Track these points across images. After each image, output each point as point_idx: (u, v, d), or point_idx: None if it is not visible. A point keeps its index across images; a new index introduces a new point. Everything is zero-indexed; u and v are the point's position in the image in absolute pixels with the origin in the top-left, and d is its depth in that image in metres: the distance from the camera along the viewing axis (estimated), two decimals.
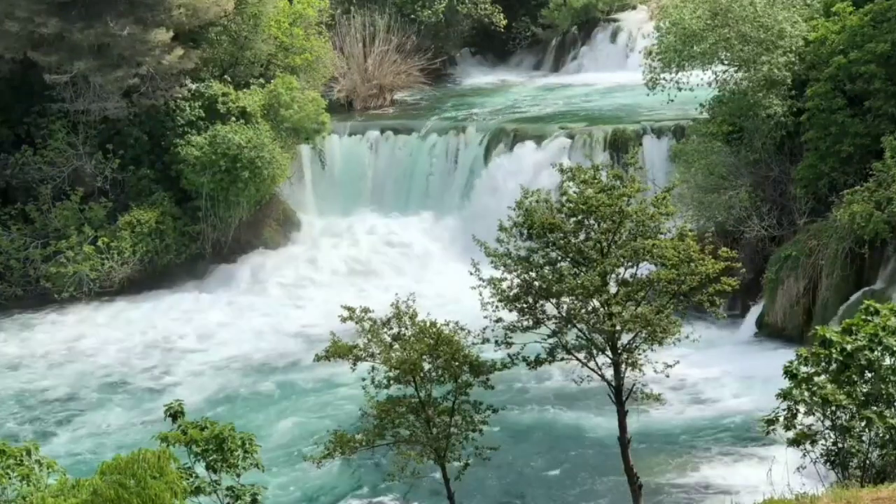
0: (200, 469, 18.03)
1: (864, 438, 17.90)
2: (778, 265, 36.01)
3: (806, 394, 17.99)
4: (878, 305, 18.79)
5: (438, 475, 22.42)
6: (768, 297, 36.49)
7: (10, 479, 16.79)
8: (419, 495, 26.31)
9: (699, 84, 39.13)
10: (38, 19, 43.66)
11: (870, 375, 17.97)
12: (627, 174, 23.29)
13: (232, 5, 46.46)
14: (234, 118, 46.06)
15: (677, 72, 39.00)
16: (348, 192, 49.32)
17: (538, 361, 22.14)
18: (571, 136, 45.94)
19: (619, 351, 21.77)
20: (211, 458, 17.96)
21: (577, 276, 21.70)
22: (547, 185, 29.01)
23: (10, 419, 35.06)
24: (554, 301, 21.89)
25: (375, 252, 46.58)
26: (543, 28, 64.77)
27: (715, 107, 39.76)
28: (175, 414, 18.55)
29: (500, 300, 21.99)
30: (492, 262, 22.26)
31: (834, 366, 18.12)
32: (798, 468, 18.84)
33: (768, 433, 18.76)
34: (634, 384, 22.29)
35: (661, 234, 22.21)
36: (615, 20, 63.43)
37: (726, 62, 38.73)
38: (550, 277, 21.84)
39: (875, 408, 17.72)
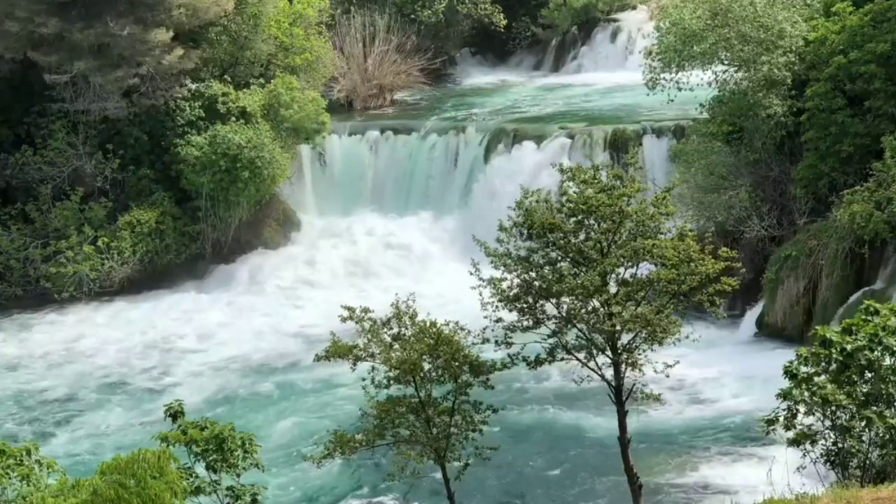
0: (200, 469, 18.03)
1: (864, 438, 17.90)
2: (778, 265, 36.01)
3: (806, 394, 17.99)
4: (878, 305, 18.79)
5: (438, 475, 22.41)
6: (768, 297, 36.48)
7: (10, 479, 16.78)
8: (419, 495, 26.30)
9: (699, 84, 39.13)
10: (38, 19, 43.66)
11: (870, 375, 17.98)
12: (627, 174, 23.27)
13: (232, 5, 46.46)
14: (234, 118, 46.06)
15: (677, 72, 39.00)
16: (348, 192, 49.31)
17: (538, 361, 22.13)
18: (571, 136, 45.94)
19: (619, 351, 21.76)
20: (211, 458, 17.97)
21: (577, 276, 21.69)
22: (547, 185, 28.96)
23: (9, 420, 35.02)
24: (554, 301, 21.89)
25: (375, 252, 46.56)
26: (543, 28, 64.78)
27: (715, 107, 39.75)
28: (175, 414, 18.56)
29: (500, 300, 21.98)
30: (492, 262, 22.26)
31: (834, 366, 18.13)
32: (798, 468, 18.85)
33: (768, 433, 18.77)
34: (634, 384, 22.29)
35: (661, 234, 22.20)
36: (615, 20, 63.44)
37: (726, 62, 38.72)
38: (550, 277, 21.83)
39: (875, 408, 17.72)
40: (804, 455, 18.35)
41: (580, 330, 21.96)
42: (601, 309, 21.56)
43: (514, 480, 29.30)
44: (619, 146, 44.09)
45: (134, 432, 33.17)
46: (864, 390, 17.85)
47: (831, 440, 18.10)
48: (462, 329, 22.11)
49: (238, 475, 18.17)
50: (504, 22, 62.84)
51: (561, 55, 63.76)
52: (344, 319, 22.33)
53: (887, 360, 17.88)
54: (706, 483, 28.31)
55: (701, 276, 21.69)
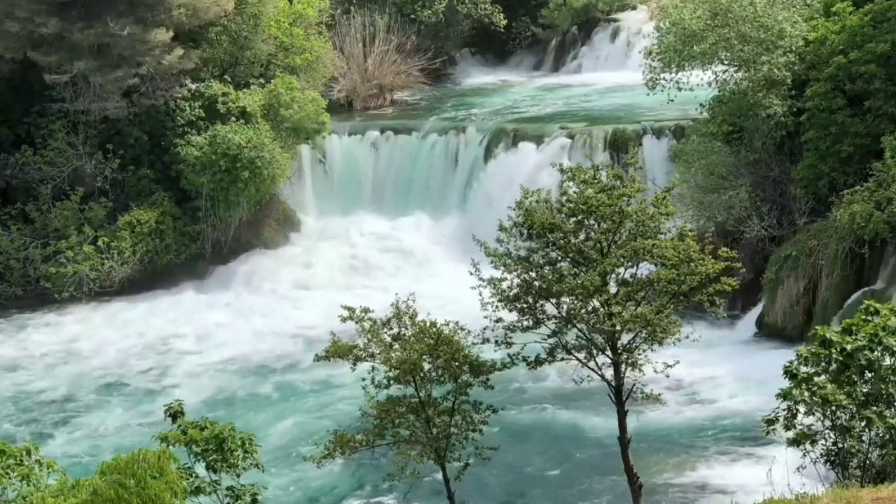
0: (200, 469, 18.03)
1: (864, 438, 17.90)
2: (778, 265, 36.00)
3: (806, 394, 17.99)
4: (878, 305, 18.79)
5: (438, 475, 22.42)
6: (768, 297, 36.48)
7: (10, 479, 16.77)
8: (419, 495, 26.29)
9: (699, 84, 39.12)
10: (38, 19, 43.65)
11: (870, 375, 17.98)
12: (627, 174, 23.28)
13: (232, 5, 46.46)
14: (234, 118, 46.05)
15: (677, 72, 38.99)
16: (348, 193, 49.29)
17: (538, 361, 22.13)
18: (571, 136, 45.92)
19: (619, 351, 21.76)
20: (211, 458, 17.96)
21: (577, 276, 21.69)
22: (547, 185, 28.93)
23: (7, 421, 34.96)
24: (554, 301, 21.89)
25: (375, 252, 46.55)
26: (543, 28, 64.78)
27: (715, 107, 39.75)
28: (175, 414, 18.55)
29: (500, 300, 21.98)
30: (492, 262, 22.25)
31: (834, 366, 18.13)
32: (798, 468, 18.84)
33: (768, 433, 18.77)
34: (634, 384, 22.28)
35: (661, 234, 22.20)
36: (615, 20, 63.43)
37: (726, 62, 38.72)
38: (550, 277, 21.83)
39: (875, 408, 17.72)
40: (804, 455, 18.35)
41: (580, 330, 21.96)
42: (601, 309, 21.56)
43: (513, 480, 29.29)
44: (619, 146, 44.07)
45: (132, 433, 33.11)
46: (864, 390, 17.85)
47: (831, 440, 18.10)
48: (462, 329, 22.10)
49: (238, 475, 18.17)
50: (504, 22, 62.84)
51: (561, 55, 63.77)
52: (344, 319, 22.32)
53: (887, 360, 17.88)
54: (706, 483, 28.30)
55: (701, 276, 21.69)
